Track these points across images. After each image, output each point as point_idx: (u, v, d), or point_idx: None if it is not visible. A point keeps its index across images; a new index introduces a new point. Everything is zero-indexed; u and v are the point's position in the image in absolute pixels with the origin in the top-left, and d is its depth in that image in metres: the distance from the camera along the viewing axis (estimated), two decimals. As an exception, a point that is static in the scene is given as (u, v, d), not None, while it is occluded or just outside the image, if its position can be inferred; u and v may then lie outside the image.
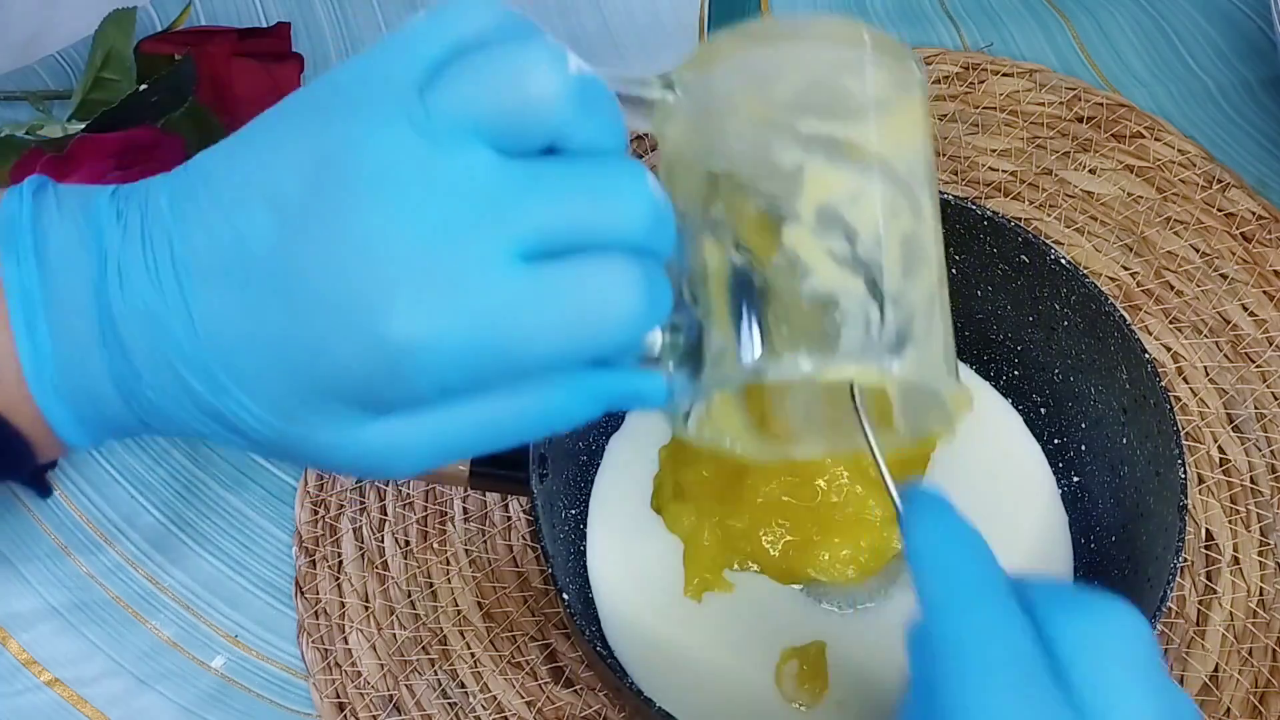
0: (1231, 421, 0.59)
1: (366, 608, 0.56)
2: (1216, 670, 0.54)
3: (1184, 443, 0.49)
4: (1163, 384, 0.50)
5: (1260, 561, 0.56)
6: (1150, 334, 0.61)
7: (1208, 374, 0.60)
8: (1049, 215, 0.65)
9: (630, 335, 0.32)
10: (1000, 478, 0.56)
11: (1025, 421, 0.57)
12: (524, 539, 0.57)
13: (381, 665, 0.54)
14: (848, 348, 0.32)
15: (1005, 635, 0.31)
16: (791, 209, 0.33)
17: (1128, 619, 0.32)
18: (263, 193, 0.32)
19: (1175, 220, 0.65)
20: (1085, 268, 0.60)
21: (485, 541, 0.57)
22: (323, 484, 0.58)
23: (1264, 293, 0.62)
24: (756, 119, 0.33)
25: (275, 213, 0.31)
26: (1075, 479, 0.55)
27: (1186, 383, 0.60)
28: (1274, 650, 0.54)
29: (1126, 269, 0.63)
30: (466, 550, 0.57)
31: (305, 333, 0.31)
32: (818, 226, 0.33)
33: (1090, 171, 0.66)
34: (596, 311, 0.31)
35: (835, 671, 0.51)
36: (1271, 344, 0.61)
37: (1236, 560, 0.56)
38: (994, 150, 0.67)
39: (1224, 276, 0.63)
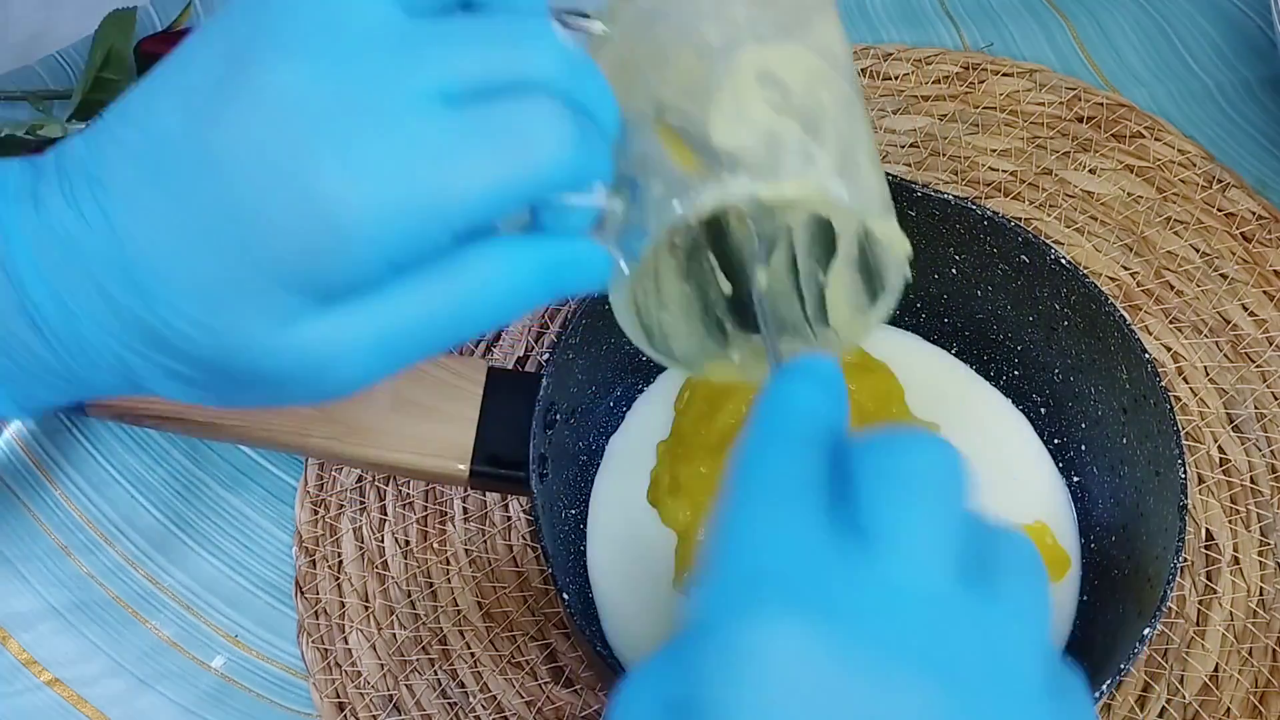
0: (1231, 421, 0.59)
1: (366, 608, 0.56)
2: (1216, 670, 0.54)
3: (1184, 443, 0.49)
4: (1163, 384, 0.50)
5: (1260, 561, 0.56)
6: (1150, 334, 0.61)
7: (1208, 374, 0.60)
8: (1049, 215, 0.65)
9: (560, 172, 0.32)
10: (1006, 476, 0.56)
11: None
12: (524, 539, 0.57)
13: (381, 665, 0.54)
14: (788, 171, 0.34)
15: (782, 461, 0.30)
16: (730, 72, 0.35)
17: (929, 449, 0.30)
18: (172, 88, 0.32)
19: (1175, 220, 0.65)
20: (1085, 268, 0.60)
21: (485, 541, 0.57)
22: (322, 484, 0.58)
23: (1264, 293, 0.62)
24: (688, 14, 0.36)
25: (186, 101, 0.31)
26: (1075, 479, 0.55)
27: (1186, 383, 0.60)
28: (1274, 650, 0.54)
29: (1126, 269, 0.63)
30: (466, 550, 0.57)
31: (233, 209, 0.31)
32: (755, 83, 0.35)
33: (1090, 171, 0.66)
34: (524, 144, 0.31)
35: None
36: (1271, 344, 0.61)
37: (1236, 560, 0.56)
38: (994, 150, 0.67)
39: (1224, 276, 0.63)
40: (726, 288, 0.39)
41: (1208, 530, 0.57)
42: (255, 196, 0.30)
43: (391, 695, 0.54)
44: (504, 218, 0.33)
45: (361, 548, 0.57)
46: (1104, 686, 0.45)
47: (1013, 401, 0.58)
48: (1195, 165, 0.66)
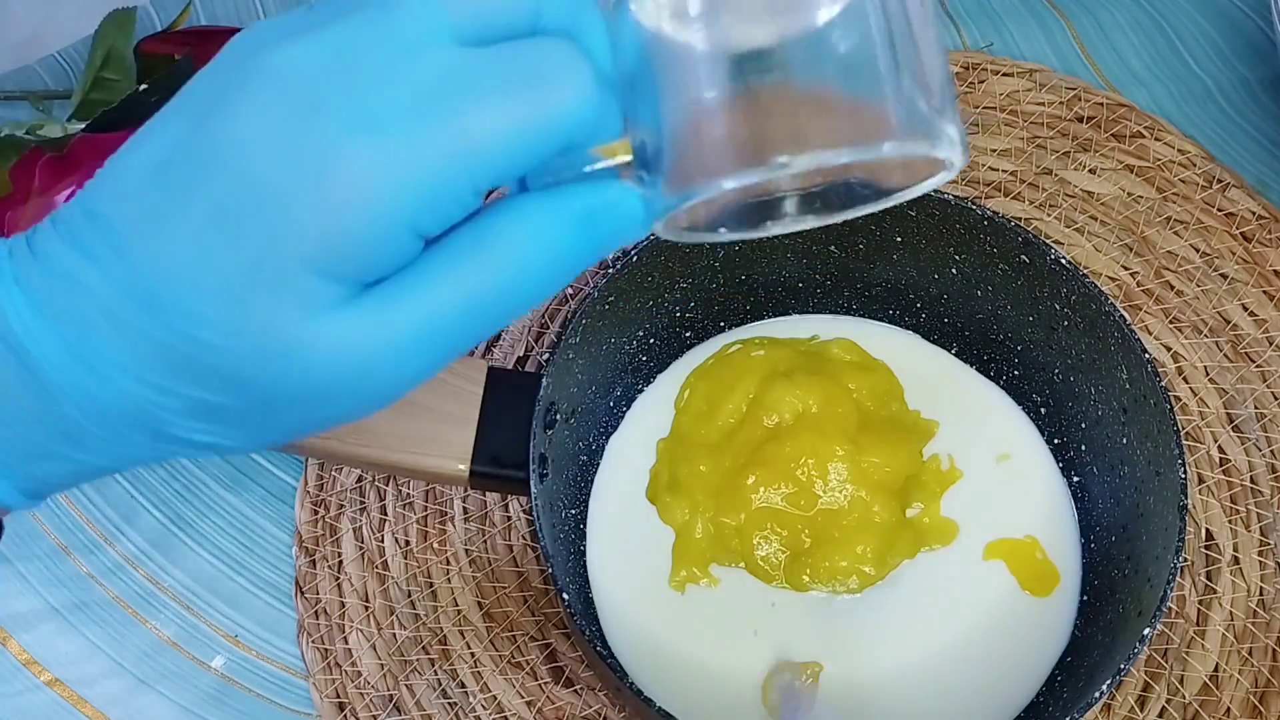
0: (1231, 421, 0.59)
1: (366, 608, 0.56)
2: (1216, 670, 0.54)
3: (1184, 443, 0.49)
4: (1163, 384, 0.50)
5: (1260, 561, 0.56)
6: (1150, 334, 0.61)
7: (1208, 374, 0.60)
8: (1049, 215, 0.65)
9: (586, 111, 0.30)
10: (1006, 475, 0.56)
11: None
12: (524, 539, 0.57)
13: (381, 665, 0.54)
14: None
15: None
16: None
17: None
18: (172, 109, 0.30)
19: (1175, 220, 0.65)
20: (1085, 268, 0.60)
21: (485, 541, 0.57)
22: (323, 484, 0.58)
23: (1264, 293, 0.62)
24: None
25: (186, 111, 0.30)
26: (1075, 479, 0.55)
27: (1186, 383, 0.60)
28: (1274, 650, 0.54)
29: (1126, 269, 0.63)
30: (466, 550, 0.57)
31: (245, 193, 0.29)
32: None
33: (1090, 171, 0.66)
34: (538, 78, 0.29)
35: (823, 696, 0.51)
36: (1271, 344, 0.61)
37: (1236, 560, 0.56)
38: (994, 150, 0.67)
39: (1224, 276, 0.63)
40: None
41: (1208, 530, 0.57)
42: (265, 173, 0.28)
43: (391, 695, 0.54)
44: (529, 175, 0.31)
45: (361, 548, 0.57)
46: (1104, 686, 0.45)
47: (1013, 401, 0.58)
48: (1195, 165, 0.66)
